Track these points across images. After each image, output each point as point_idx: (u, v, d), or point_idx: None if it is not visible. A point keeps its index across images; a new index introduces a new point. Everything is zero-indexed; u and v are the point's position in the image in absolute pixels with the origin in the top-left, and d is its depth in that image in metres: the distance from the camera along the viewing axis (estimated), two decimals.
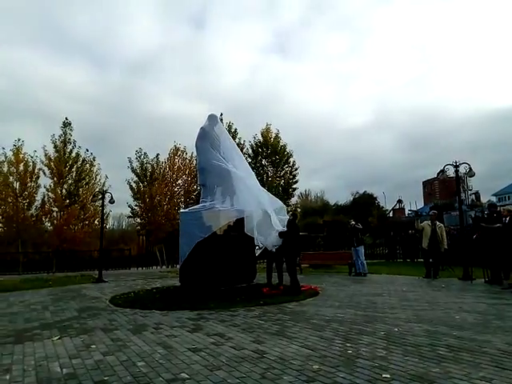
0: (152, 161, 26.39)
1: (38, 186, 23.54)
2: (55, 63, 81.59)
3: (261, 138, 27.49)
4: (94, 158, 24.84)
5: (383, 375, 3.18)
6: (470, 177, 12.82)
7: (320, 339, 4.44)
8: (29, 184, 23.10)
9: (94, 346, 4.43)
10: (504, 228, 9.00)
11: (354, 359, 3.65)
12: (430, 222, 11.91)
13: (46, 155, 23.35)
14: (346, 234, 14.22)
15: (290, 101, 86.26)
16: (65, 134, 24.02)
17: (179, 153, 26.64)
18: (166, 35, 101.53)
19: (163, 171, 26.34)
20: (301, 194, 41.30)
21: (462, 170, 11.60)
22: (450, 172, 11.87)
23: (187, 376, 3.32)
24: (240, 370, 3.45)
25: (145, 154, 26.22)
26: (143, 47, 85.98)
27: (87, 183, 24.61)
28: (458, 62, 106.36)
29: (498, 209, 10.33)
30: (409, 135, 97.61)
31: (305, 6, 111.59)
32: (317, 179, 71.70)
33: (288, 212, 11.70)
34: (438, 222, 12.04)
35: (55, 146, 23.70)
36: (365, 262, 13.16)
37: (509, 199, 43.60)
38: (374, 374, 3.23)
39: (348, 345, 4.16)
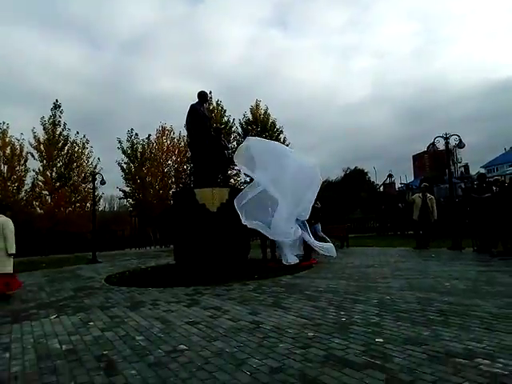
0: (143, 141, 26.15)
1: (27, 170, 23.30)
2: (48, 42, 79.21)
3: (250, 116, 27.24)
4: (87, 140, 24.51)
5: (376, 340, 3.27)
6: (460, 148, 12.91)
7: (314, 309, 4.54)
8: (17, 167, 22.82)
9: (91, 323, 4.48)
10: (494, 197, 9.14)
11: (347, 326, 3.74)
12: (420, 194, 12.06)
13: (35, 138, 22.99)
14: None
15: (288, 76, 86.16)
16: (54, 115, 23.62)
17: (166, 133, 26.39)
18: (161, 10, 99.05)
19: (153, 151, 26.12)
20: None
21: (452, 141, 11.69)
22: (441, 144, 11.95)
23: (186, 347, 3.39)
24: (237, 339, 3.52)
25: (136, 134, 25.96)
26: (138, 24, 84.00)
27: (78, 166, 24.32)
28: (458, 33, 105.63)
29: (488, 179, 10.46)
30: (407, 109, 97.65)
31: None
32: (313, 156, 71.87)
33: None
34: (428, 194, 12.19)
35: (45, 129, 23.31)
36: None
37: (497, 171, 44.09)
38: (367, 339, 3.32)
39: (342, 313, 4.26)
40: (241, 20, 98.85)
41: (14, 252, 6.86)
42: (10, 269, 6.88)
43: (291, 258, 8.29)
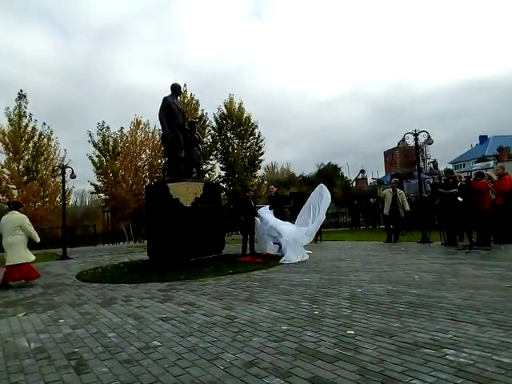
0: (115, 134, 25.59)
1: None
2: (14, 30, 75.50)
3: (225, 110, 27.09)
4: (51, 131, 23.79)
5: (348, 332, 3.35)
6: (429, 144, 13.29)
7: (288, 302, 4.60)
8: None
9: (62, 321, 4.38)
10: (459, 192, 9.46)
11: (320, 319, 3.81)
12: (391, 190, 12.34)
13: None
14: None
15: (263, 71, 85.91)
16: (19, 106, 22.74)
17: (141, 126, 25.93)
18: (135, 1, 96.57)
19: (127, 145, 25.60)
20: (267, 166, 41.63)
21: (421, 138, 12.01)
22: (410, 141, 12.27)
23: (159, 343, 3.37)
24: (211, 334, 3.53)
25: (107, 127, 25.36)
26: (111, 13, 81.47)
27: (46, 159, 23.58)
28: (426, 33, 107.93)
29: (454, 175, 10.80)
30: (379, 106, 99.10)
31: None
32: (288, 151, 72.84)
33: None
34: (398, 189, 12.50)
35: (9, 120, 22.44)
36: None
37: (464, 166, 45.65)
38: (339, 331, 3.40)
39: (314, 306, 4.33)
40: (217, 11, 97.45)
41: (39, 240, 7.86)
42: (27, 258, 7.49)
43: (292, 258, 8.58)
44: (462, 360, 2.61)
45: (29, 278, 7.52)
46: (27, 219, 7.70)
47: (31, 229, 7.58)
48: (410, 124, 73.15)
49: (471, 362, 2.57)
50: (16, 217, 7.50)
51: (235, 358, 2.90)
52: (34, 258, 7.72)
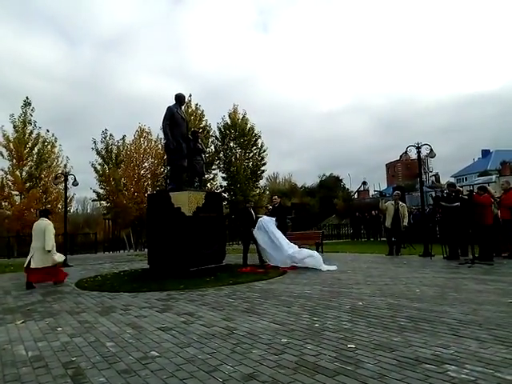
0: (118, 142, 25.72)
1: None
2: (22, 37, 76.49)
3: (228, 120, 27.21)
4: (55, 139, 23.93)
5: (348, 346, 3.31)
6: (432, 157, 13.30)
7: (288, 314, 4.56)
8: None
9: (60, 329, 4.35)
10: (462, 206, 9.43)
11: (320, 332, 3.77)
12: (393, 202, 12.32)
13: (4, 135, 22.22)
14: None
15: (267, 82, 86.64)
16: (25, 114, 22.88)
17: (144, 134, 26.03)
18: (141, 9, 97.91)
19: (129, 153, 25.69)
20: (269, 176, 41.69)
21: (424, 151, 12.02)
22: (413, 153, 12.30)
23: (157, 354, 3.33)
24: (210, 346, 3.50)
25: (111, 135, 25.52)
26: (117, 22, 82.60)
27: (49, 166, 23.67)
28: (429, 48, 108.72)
29: (457, 188, 10.78)
30: (382, 119, 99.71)
31: None
32: (290, 161, 73.08)
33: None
34: (400, 202, 12.48)
35: (14, 127, 22.57)
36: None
37: (466, 180, 45.62)
38: (339, 345, 3.36)
39: (315, 319, 4.29)
40: (223, 23, 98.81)
41: (50, 249, 7.91)
42: (51, 262, 8.05)
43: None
44: (463, 376, 2.57)
45: (56, 280, 8.22)
46: (50, 226, 8.17)
47: (48, 235, 7.97)
48: (412, 137, 73.41)
49: (473, 378, 2.53)
50: (42, 223, 8.14)
51: (234, 371, 2.86)
52: (61, 260, 8.47)
